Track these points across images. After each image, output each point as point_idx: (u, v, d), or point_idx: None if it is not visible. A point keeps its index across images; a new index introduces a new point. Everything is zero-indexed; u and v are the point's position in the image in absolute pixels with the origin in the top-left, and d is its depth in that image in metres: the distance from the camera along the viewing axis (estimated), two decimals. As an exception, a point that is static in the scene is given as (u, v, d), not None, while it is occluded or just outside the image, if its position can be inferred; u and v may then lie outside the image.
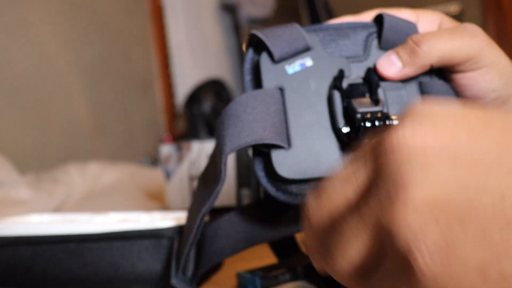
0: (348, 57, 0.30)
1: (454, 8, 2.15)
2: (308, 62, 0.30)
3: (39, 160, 1.47)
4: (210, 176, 0.30)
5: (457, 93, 0.31)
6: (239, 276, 0.37)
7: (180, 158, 0.72)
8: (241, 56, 2.69)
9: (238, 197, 0.65)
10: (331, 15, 2.58)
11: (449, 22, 0.33)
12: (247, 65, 0.30)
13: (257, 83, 0.30)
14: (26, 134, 1.47)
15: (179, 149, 0.72)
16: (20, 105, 1.47)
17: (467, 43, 0.29)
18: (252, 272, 0.36)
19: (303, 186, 0.28)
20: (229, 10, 2.63)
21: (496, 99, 0.30)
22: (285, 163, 0.28)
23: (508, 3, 2.29)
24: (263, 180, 0.29)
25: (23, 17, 1.51)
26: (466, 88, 0.30)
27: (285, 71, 0.29)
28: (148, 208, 0.84)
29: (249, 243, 0.32)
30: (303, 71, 0.29)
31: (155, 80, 2.14)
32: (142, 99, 2.03)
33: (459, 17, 2.14)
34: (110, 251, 0.37)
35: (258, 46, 0.30)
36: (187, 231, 0.32)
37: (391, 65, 0.29)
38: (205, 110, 2.01)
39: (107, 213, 0.46)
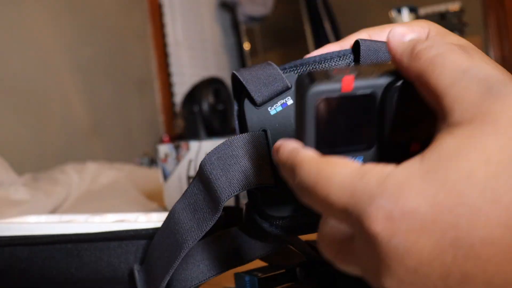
0: None
1: (455, 5, 2.15)
2: (289, 101, 0.30)
3: (36, 161, 1.47)
4: (201, 205, 0.31)
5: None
6: (237, 276, 0.37)
7: (178, 158, 0.72)
8: (241, 55, 2.69)
9: (237, 197, 0.64)
10: (331, 13, 2.58)
11: (437, 33, 0.31)
12: (235, 112, 0.31)
13: (244, 125, 0.31)
14: (24, 134, 1.47)
15: (178, 148, 0.72)
16: (17, 105, 1.46)
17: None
18: (250, 272, 0.36)
19: (293, 220, 0.30)
20: (228, 8, 2.62)
21: None
22: (274, 202, 0.29)
23: (509, 0, 2.30)
24: (258, 219, 0.30)
25: (20, 16, 1.51)
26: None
27: (268, 112, 0.30)
28: (146, 209, 0.84)
29: (226, 267, 0.33)
30: (285, 110, 0.30)
31: (154, 79, 2.14)
32: (140, 98, 2.03)
33: (460, 14, 2.14)
34: (107, 252, 0.37)
35: (241, 86, 0.31)
36: (165, 255, 0.31)
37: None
38: (204, 109, 2.01)
39: (105, 214, 0.46)
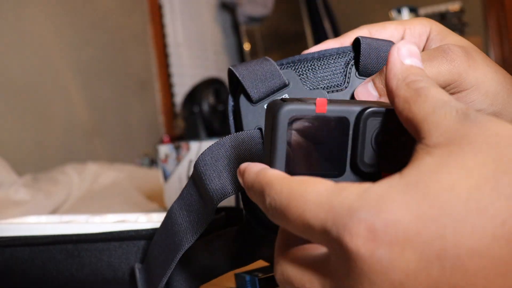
0: (328, 87, 0.30)
1: (455, 5, 2.15)
2: None
3: (37, 161, 1.47)
4: (195, 206, 0.30)
5: None
6: (238, 276, 0.36)
7: (179, 158, 0.72)
8: (241, 55, 2.69)
9: (237, 198, 0.64)
10: (331, 14, 2.58)
11: (438, 33, 0.31)
12: (229, 107, 0.30)
13: (239, 123, 0.30)
14: (24, 134, 1.47)
15: (178, 149, 0.72)
16: (18, 106, 1.46)
17: (445, 69, 0.28)
18: (251, 272, 0.36)
19: None
20: (228, 9, 2.62)
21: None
22: None
23: (509, 0, 2.29)
24: (253, 222, 0.30)
25: (21, 17, 1.51)
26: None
27: (264, 110, 0.29)
28: (146, 209, 0.84)
29: (228, 267, 0.33)
30: None
31: (154, 80, 2.14)
32: (140, 99, 2.03)
33: (460, 15, 2.14)
34: (108, 252, 0.37)
35: (237, 82, 0.30)
36: (164, 255, 0.31)
37: (368, 95, 0.28)
38: (204, 110, 2.01)
39: (105, 215, 0.46)
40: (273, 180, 0.20)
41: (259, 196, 0.21)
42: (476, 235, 0.16)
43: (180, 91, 2.24)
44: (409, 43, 0.22)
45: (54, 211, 0.94)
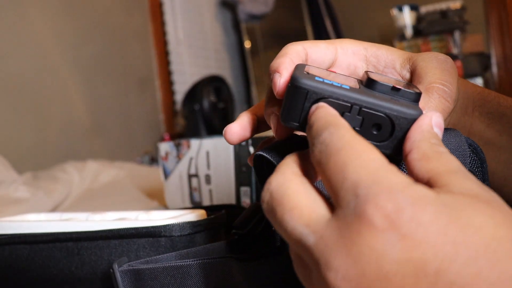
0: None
1: (456, 3, 2.14)
2: None
3: (37, 159, 1.47)
4: None
5: None
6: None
7: (179, 156, 0.72)
8: (241, 53, 2.69)
9: (238, 195, 0.64)
10: (332, 11, 2.57)
11: (374, 56, 0.30)
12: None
13: None
14: (24, 133, 1.47)
15: (178, 147, 0.72)
16: (18, 104, 1.46)
17: (456, 74, 0.29)
18: None
19: None
20: (229, 7, 2.62)
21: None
22: None
23: (509, -1, 2.29)
24: None
25: (21, 15, 1.50)
26: None
27: None
28: (146, 207, 0.84)
29: None
30: None
31: (154, 78, 2.14)
32: (141, 97, 2.03)
33: (461, 12, 2.14)
34: (108, 250, 0.37)
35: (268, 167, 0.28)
36: None
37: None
38: (204, 108, 2.00)
39: (105, 212, 0.45)
40: (344, 124, 0.20)
41: (319, 129, 0.21)
42: (485, 279, 0.16)
43: (181, 89, 2.24)
44: (440, 116, 0.23)
45: (54, 209, 0.94)
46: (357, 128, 0.24)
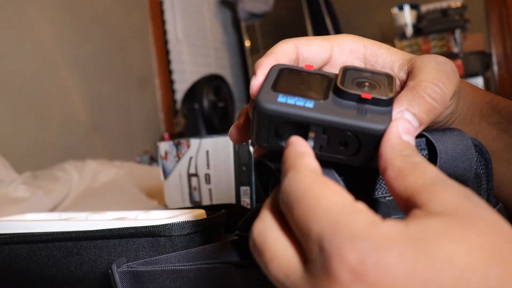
0: None
1: (457, 1, 2.14)
2: None
3: (36, 159, 1.47)
4: None
5: None
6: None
7: (179, 156, 0.71)
8: (241, 52, 2.68)
9: (238, 195, 0.64)
10: (332, 9, 2.57)
11: (374, 55, 0.29)
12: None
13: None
14: (24, 132, 1.46)
15: (178, 146, 0.71)
16: (17, 103, 1.46)
17: (456, 80, 0.27)
18: None
19: None
20: (229, 5, 2.61)
21: (450, 118, 0.29)
22: None
23: (510, -3, 2.28)
24: None
25: (21, 13, 1.50)
26: None
27: None
28: (146, 206, 0.84)
29: None
30: None
31: (154, 77, 2.13)
32: (140, 96, 2.02)
33: (461, 11, 2.13)
34: (107, 250, 0.37)
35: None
36: None
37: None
38: (204, 107, 2.00)
39: (104, 212, 0.45)
40: (303, 167, 0.20)
41: (284, 172, 0.21)
42: None
43: (181, 88, 2.24)
44: (409, 120, 0.23)
45: (54, 209, 0.94)
46: (324, 145, 0.23)
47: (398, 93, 0.26)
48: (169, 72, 2.23)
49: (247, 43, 2.57)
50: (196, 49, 2.40)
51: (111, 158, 1.50)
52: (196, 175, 0.69)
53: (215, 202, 0.67)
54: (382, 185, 0.27)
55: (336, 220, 0.18)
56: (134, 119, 1.96)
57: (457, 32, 2.13)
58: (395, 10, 2.26)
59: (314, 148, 0.23)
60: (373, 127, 0.22)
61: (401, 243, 0.17)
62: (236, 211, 0.46)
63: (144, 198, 0.94)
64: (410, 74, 0.27)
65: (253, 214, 0.35)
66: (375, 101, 0.23)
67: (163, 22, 2.22)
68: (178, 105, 2.21)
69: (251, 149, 0.62)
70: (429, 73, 0.26)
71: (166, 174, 0.74)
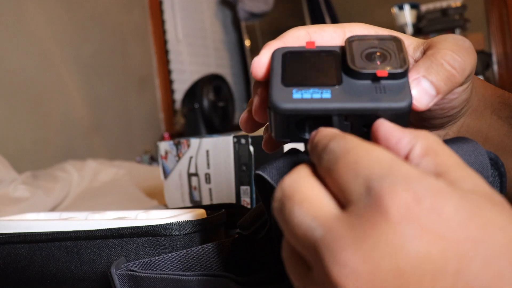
0: None
1: (457, 1, 2.13)
2: None
3: (36, 158, 1.47)
4: None
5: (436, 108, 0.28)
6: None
7: (179, 155, 0.71)
8: (241, 52, 2.68)
9: (238, 194, 0.64)
10: (332, 9, 2.57)
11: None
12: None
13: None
14: (24, 132, 1.46)
15: (178, 145, 0.71)
16: (17, 103, 1.46)
17: (474, 57, 0.26)
18: None
19: None
20: (229, 5, 2.61)
21: (464, 106, 0.29)
22: None
23: (510, -4, 2.28)
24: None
25: (20, 13, 1.50)
26: (449, 101, 0.28)
27: None
28: (146, 206, 0.84)
29: None
30: None
31: (154, 77, 2.13)
32: (140, 95, 2.02)
33: (461, 10, 2.13)
34: (107, 249, 0.37)
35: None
36: None
37: (425, 95, 0.24)
38: (204, 106, 2.00)
39: (104, 212, 0.45)
40: (345, 134, 0.20)
41: (322, 146, 0.20)
42: None
43: (180, 87, 2.23)
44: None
45: (54, 208, 0.94)
46: (348, 131, 0.23)
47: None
48: (169, 72, 2.23)
49: (247, 43, 2.57)
50: (196, 49, 2.40)
51: (111, 158, 1.50)
52: (196, 174, 0.69)
53: (215, 201, 0.67)
54: None
55: (389, 164, 0.17)
56: (134, 119, 1.96)
57: (457, 32, 2.13)
58: (395, 9, 2.26)
59: None
60: (395, 106, 0.22)
61: (456, 197, 0.16)
62: (236, 211, 0.46)
63: (144, 197, 0.94)
64: (428, 48, 0.27)
65: (255, 214, 0.35)
66: (391, 76, 0.23)
67: (163, 22, 2.22)
68: (178, 104, 2.21)
69: (251, 148, 0.62)
70: (448, 43, 0.25)
71: (166, 174, 0.74)
